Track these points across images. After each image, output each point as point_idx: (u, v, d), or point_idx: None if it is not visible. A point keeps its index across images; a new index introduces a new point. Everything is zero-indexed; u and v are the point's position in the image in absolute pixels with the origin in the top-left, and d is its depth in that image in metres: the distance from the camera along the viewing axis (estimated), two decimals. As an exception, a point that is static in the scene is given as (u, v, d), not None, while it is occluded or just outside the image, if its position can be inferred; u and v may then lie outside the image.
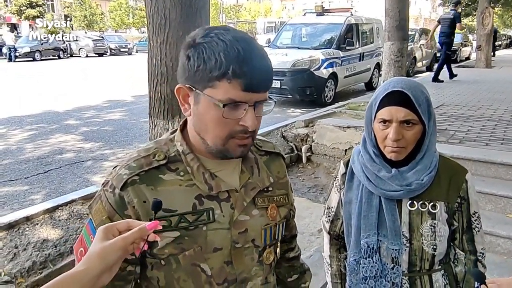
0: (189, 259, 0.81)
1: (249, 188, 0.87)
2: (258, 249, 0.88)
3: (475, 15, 15.75)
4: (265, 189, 0.91)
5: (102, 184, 0.83)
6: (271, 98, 0.81)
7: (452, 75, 9.32)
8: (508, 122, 4.95)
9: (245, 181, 0.87)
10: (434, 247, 1.11)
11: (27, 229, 2.86)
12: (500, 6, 20.35)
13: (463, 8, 21.35)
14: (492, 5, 14.54)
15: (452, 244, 1.17)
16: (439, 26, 8.99)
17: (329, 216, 1.31)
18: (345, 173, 1.24)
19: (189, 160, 0.83)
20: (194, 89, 0.76)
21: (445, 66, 9.14)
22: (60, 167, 4.76)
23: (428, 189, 1.12)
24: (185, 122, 0.87)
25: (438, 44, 9.68)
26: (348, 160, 1.25)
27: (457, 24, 8.65)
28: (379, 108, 1.09)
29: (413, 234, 1.12)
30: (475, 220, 1.16)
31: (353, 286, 1.21)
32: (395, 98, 1.07)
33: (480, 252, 1.17)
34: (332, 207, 1.27)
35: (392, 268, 1.13)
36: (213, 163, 0.84)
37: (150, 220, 0.70)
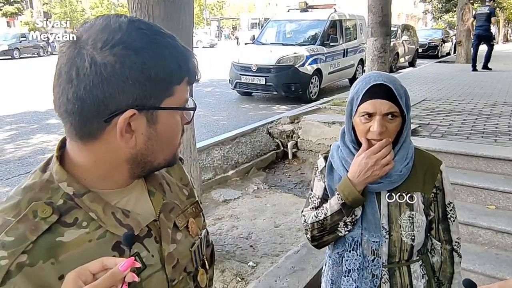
0: None
1: (167, 211, 0.72)
2: (191, 276, 0.76)
3: (455, 11, 16.03)
4: (183, 207, 0.77)
5: None
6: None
7: (484, 66, 10.09)
8: (488, 116, 5.07)
9: (160, 205, 0.71)
10: (413, 237, 1.14)
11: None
12: (479, 2, 20.74)
13: (443, 4, 21.76)
14: (471, 1, 14.82)
15: (429, 234, 1.20)
16: (475, 21, 10.05)
17: (314, 203, 1.27)
18: (325, 166, 1.24)
19: (89, 202, 0.61)
20: (145, 108, 0.59)
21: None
22: (43, 167, 4.68)
23: (406, 180, 1.15)
24: (60, 150, 0.65)
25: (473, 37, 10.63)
26: (327, 155, 1.26)
27: (492, 18, 9.67)
28: (361, 101, 1.09)
29: (392, 226, 1.14)
30: (450, 210, 1.20)
31: (335, 279, 1.23)
32: (378, 91, 1.08)
33: (456, 242, 1.21)
34: (318, 195, 1.26)
35: (373, 260, 1.15)
36: (115, 194, 0.65)
37: (128, 235, 0.59)
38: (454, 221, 1.21)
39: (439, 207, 1.19)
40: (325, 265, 1.32)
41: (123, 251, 0.62)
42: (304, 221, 1.25)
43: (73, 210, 0.61)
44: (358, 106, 1.10)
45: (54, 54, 23.97)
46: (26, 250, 0.55)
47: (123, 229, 0.63)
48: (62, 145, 0.66)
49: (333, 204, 1.16)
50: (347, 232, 1.17)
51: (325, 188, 1.24)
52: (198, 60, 0.67)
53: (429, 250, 1.21)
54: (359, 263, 1.17)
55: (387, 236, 1.14)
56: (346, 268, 1.19)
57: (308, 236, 1.24)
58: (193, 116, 0.69)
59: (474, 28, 10.37)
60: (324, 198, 1.24)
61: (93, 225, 0.61)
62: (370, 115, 1.09)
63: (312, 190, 1.29)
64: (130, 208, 0.66)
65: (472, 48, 10.42)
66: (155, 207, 0.70)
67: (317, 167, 1.28)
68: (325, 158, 1.26)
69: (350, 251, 1.18)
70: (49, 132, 6.24)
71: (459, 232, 1.23)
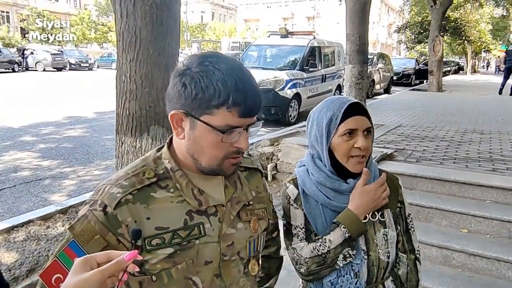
0: (182, 273, 0.83)
1: (234, 202, 0.91)
2: (243, 261, 0.92)
3: (427, 42, 16.81)
4: (247, 203, 0.95)
5: (87, 203, 0.82)
6: (258, 119, 0.86)
7: None
8: (459, 142, 5.29)
9: (230, 196, 0.91)
10: (388, 254, 1.16)
11: (-22, 251, 2.68)
12: (449, 35, 21.87)
13: (416, 35, 22.80)
14: (442, 33, 15.61)
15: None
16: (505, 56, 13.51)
17: (301, 235, 1.19)
18: (299, 194, 1.20)
19: (178, 177, 0.85)
20: (190, 115, 0.80)
21: (506, 82, 12.78)
22: (15, 185, 4.52)
23: None
24: (171, 139, 0.90)
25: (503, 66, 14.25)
26: (295, 182, 1.22)
27: None
28: (341, 121, 1.12)
29: (370, 246, 1.15)
30: (410, 221, 1.26)
31: None
32: (355, 108, 1.12)
33: (417, 250, 1.27)
34: (301, 225, 1.19)
35: (356, 283, 1.16)
36: (199, 178, 0.87)
37: (135, 231, 0.73)
38: (414, 230, 1.27)
39: (403, 220, 1.24)
40: None
41: (192, 218, 0.84)
42: (298, 255, 1.17)
43: (167, 179, 0.86)
44: (338, 125, 1.12)
45: (29, 70, 23.50)
46: (132, 193, 0.81)
47: (195, 201, 0.85)
48: (171, 137, 0.90)
49: (337, 236, 1.13)
50: (343, 265, 1.15)
51: (305, 216, 1.20)
52: (259, 99, 0.83)
53: (395, 264, 1.24)
54: (353, 286, 1.17)
55: (365, 257, 1.15)
56: None
57: (303, 270, 1.17)
58: (244, 149, 0.85)
59: (505, 62, 13.32)
60: (307, 228, 1.20)
61: (177, 193, 0.85)
62: (351, 133, 1.11)
63: (290, 221, 1.21)
64: (206, 190, 0.87)
65: (504, 77, 13.38)
66: (226, 196, 0.90)
67: (289, 196, 1.21)
68: (296, 185, 1.21)
69: (344, 276, 1.17)
70: (23, 149, 6.07)
71: (417, 240, 1.29)
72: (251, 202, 0.97)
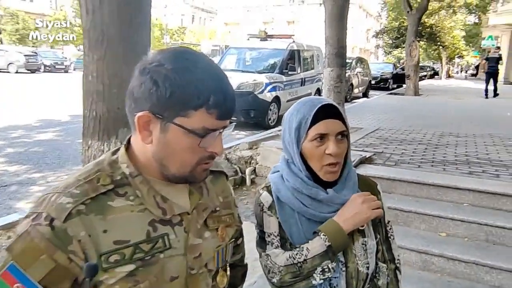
0: None
1: (200, 210, 0.84)
2: (211, 274, 0.85)
3: (403, 47, 17.15)
4: (215, 210, 0.89)
5: (28, 217, 0.70)
6: (231, 122, 0.80)
7: (495, 94, 13.53)
8: (436, 145, 5.34)
9: (196, 203, 0.84)
10: (367, 265, 1.09)
11: None
12: (424, 40, 22.39)
13: (393, 40, 23.27)
14: (418, 39, 15.95)
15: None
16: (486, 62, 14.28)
17: (275, 243, 1.12)
18: (273, 201, 1.12)
19: (138, 183, 0.77)
20: (161, 117, 0.72)
21: (488, 86, 13.68)
22: (-22, 192, 4.27)
23: None
24: (129, 140, 0.81)
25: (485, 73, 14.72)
26: (269, 188, 1.14)
27: (500, 61, 14.02)
28: (311, 125, 1.04)
29: (348, 257, 1.08)
30: (389, 229, 1.19)
31: None
32: (326, 112, 1.04)
33: (398, 259, 1.19)
34: (275, 232, 1.11)
35: None
36: (162, 184, 0.79)
37: (91, 266, 0.67)
38: (393, 238, 1.20)
39: (382, 228, 1.17)
40: None
41: (156, 228, 0.76)
42: (272, 263, 1.09)
43: (126, 185, 0.76)
44: (308, 129, 1.04)
45: (1, 71, 22.68)
46: (85, 202, 0.71)
47: (159, 210, 0.77)
48: (129, 138, 0.81)
49: (317, 245, 1.04)
50: (321, 281, 1.06)
51: (279, 224, 1.11)
52: (235, 100, 0.76)
53: (374, 274, 1.16)
54: None
55: (343, 269, 1.08)
56: None
57: (275, 280, 1.08)
58: (219, 153, 0.78)
59: (487, 68, 13.96)
60: (282, 236, 1.11)
61: (137, 201, 0.76)
62: (323, 137, 1.04)
63: (264, 229, 1.12)
64: (170, 197, 0.79)
65: (485, 82, 14.07)
66: (191, 203, 0.82)
67: (262, 203, 1.12)
68: (270, 192, 1.13)
69: None
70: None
71: (398, 249, 1.22)
72: (218, 208, 0.90)
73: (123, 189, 0.75)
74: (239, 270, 1.10)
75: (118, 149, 0.82)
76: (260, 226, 1.14)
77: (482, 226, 3.10)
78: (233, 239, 0.95)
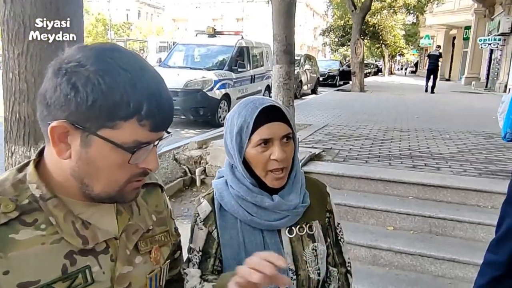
0: None
1: (130, 232, 0.73)
2: None
3: (349, 45, 17.72)
4: (147, 230, 0.78)
5: None
6: (168, 132, 0.69)
7: (432, 90, 14.45)
8: (382, 140, 5.51)
9: (125, 225, 0.72)
10: (319, 271, 1.05)
11: None
12: (368, 38, 23.31)
13: (339, 38, 23.99)
14: (362, 37, 16.55)
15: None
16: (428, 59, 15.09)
17: (196, 258, 1.03)
18: (212, 211, 1.03)
19: (52, 207, 0.64)
20: (82, 128, 0.60)
21: (428, 83, 14.71)
22: None
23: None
24: (40, 153, 0.68)
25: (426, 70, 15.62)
26: (212, 197, 1.05)
27: (440, 58, 14.85)
28: (254, 129, 0.95)
29: (298, 264, 1.02)
30: (339, 232, 1.15)
31: None
32: (269, 114, 0.96)
33: (348, 262, 1.16)
34: (198, 248, 1.03)
35: None
36: (83, 206, 0.67)
37: None
38: (344, 241, 1.16)
39: (332, 231, 1.13)
40: None
41: (75, 261, 0.64)
42: (187, 281, 0.99)
43: (35, 211, 0.63)
44: (251, 134, 0.96)
45: None
46: None
47: (79, 239, 0.64)
48: (42, 150, 0.68)
49: None
50: None
51: (207, 236, 1.03)
52: (172, 108, 0.66)
53: (325, 279, 1.12)
54: None
55: (294, 277, 1.02)
56: None
57: None
58: (153, 169, 0.67)
59: (428, 64, 14.79)
60: (205, 251, 1.02)
61: (51, 230, 0.63)
62: (267, 142, 0.96)
63: (191, 243, 1.05)
64: (93, 221, 0.67)
65: (426, 78, 15.07)
66: (119, 226, 0.71)
67: (198, 214, 1.04)
68: (212, 201, 1.05)
69: None
70: None
71: (348, 251, 1.19)
72: (151, 227, 0.78)
73: (31, 217, 0.62)
74: (177, 286, 0.98)
75: (27, 164, 0.67)
76: (190, 238, 1.06)
77: (426, 218, 3.21)
78: (168, 260, 0.84)
